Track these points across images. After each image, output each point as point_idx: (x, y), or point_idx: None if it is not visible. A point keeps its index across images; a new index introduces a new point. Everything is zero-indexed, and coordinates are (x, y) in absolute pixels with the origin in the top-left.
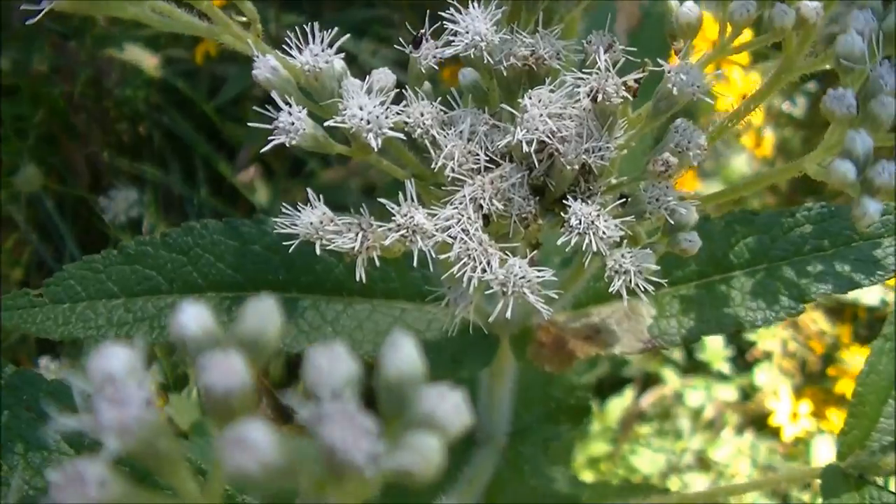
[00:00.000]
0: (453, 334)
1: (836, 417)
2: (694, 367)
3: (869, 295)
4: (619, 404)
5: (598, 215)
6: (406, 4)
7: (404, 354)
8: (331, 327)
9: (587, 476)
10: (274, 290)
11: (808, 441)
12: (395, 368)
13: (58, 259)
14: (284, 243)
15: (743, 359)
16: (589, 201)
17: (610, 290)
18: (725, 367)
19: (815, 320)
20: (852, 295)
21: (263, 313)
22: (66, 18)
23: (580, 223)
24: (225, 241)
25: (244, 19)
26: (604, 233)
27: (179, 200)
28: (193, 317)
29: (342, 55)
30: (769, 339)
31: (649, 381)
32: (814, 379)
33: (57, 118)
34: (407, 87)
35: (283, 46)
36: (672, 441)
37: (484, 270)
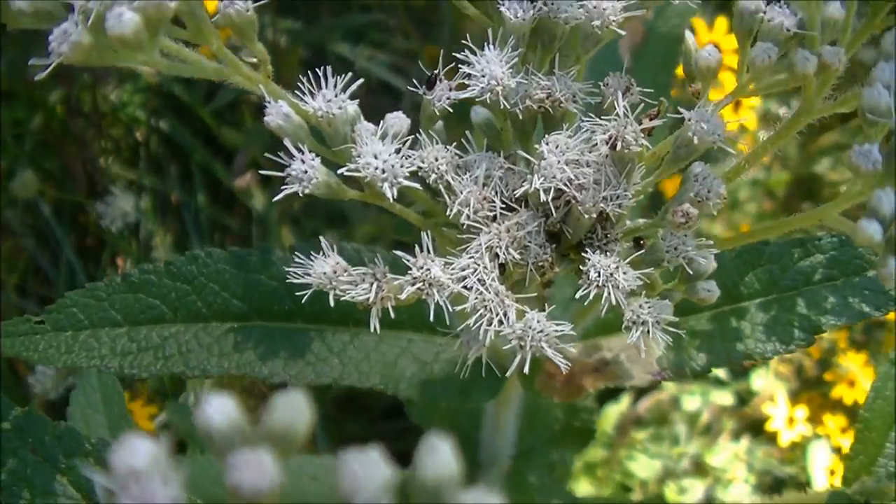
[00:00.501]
0: (458, 369)
1: (833, 423)
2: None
3: None
4: (615, 409)
5: (618, 267)
6: (402, 8)
7: (441, 458)
8: (337, 359)
9: (584, 481)
10: (279, 320)
11: (804, 446)
12: (433, 472)
13: (54, 265)
14: (297, 293)
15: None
16: (606, 250)
17: (628, 341)
18: (722, 373)
19: None
20: None
21: (293, 406)
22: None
23: (599, 276)
24: (230, 271)
25: (254, 60)
26: (623, 285)
27: (177, 206)
28: (219, 409)
29: (356, 101)
30: None
31: (646, 386)
32: (810, 384)
33: (54, 123)
34: (420, 130)
35: (295, 92)
36: (669, 446)
37: (501, 322)
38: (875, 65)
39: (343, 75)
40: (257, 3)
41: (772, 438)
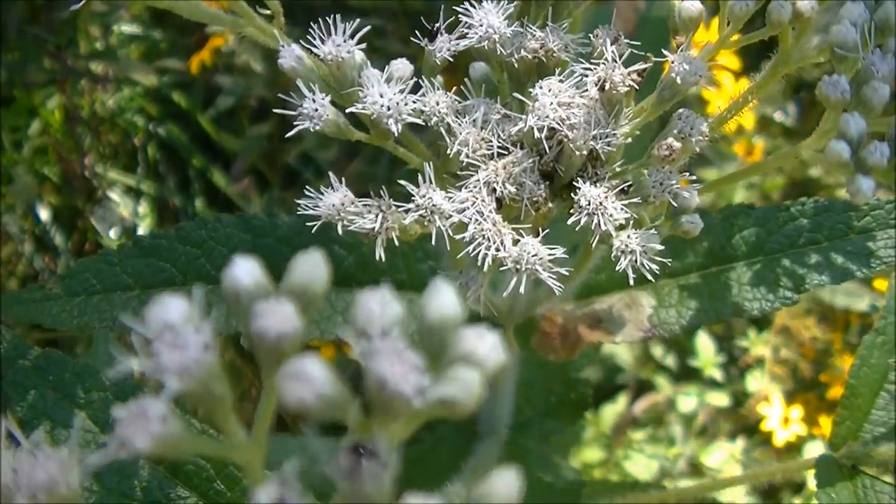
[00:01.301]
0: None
1: (828, 423)
2: (687, 373)
3: (860, 302)
4: (612, 410)
5: (607, 197)
6: (400, 14)
7: (445, 299)
8: (341, 317)
9: None
10: None
11: (799, 446)
12: (437, 311)
13: (53, 271)
14: (308, 224)
15: (735, 365)
16: (597, 185)
17: (616, 268)
18: (717, 374)
19: (807, 327)
20: (844, 301)
21: (311, 266)
22: (61, 30)
23: (589, 204)
24: (238, 234)
25: (268, 12)
26: (611, 214)
27: (175, 211)
28: (247, 270)
29: (363, 45)
30: (761, 345)
31: (642, 387)
32: (805, 385)
33: (53, 129)
34: (423, 77)
35: (305, 40)
36: (665, 447)
37: (498, 249)
38: None
39: (351, 21)
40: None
41: (767, 439)
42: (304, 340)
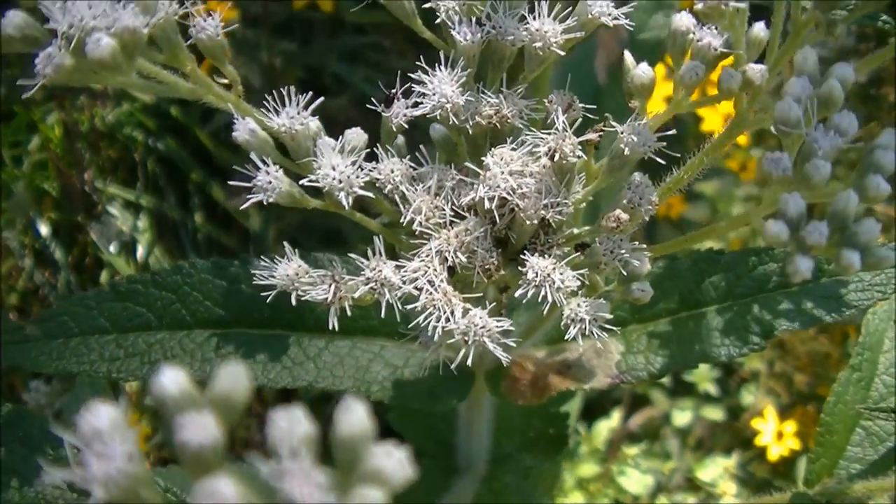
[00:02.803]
0: (427, 373)
1: None
2: (682, 388)
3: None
4: (606, 425)
5: (554, 268)
6: (397, 29)
7: (355, 416)
8: (313, 363)
9: (577, 497)
10: (258, 327)
11: (793, 460)
12: (347, 428)
13: (53, 285)
14: (262, 294)
15: (731, 379)
16: (548, 253)
17: (566, 337)
18: (712, 389)
19: (803, 340)
20: None
21: (234, 376)
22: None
23: (536, 276)
24: (212, 280)
25: (226, 81)
26: (560, 285)
27: (174, 225)
28: (173, 379)
29: (316, 117)
30: (756, 359)
31: (638, 402)
32: (802, 398)
33: (52, 144)
34: (378, 145)
35: (261, 110)
36: (661, 461)
37: (448, 320)
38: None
39: (305, 95)
40: (227, 29)
41: (763, 453)
42: (276, 386)
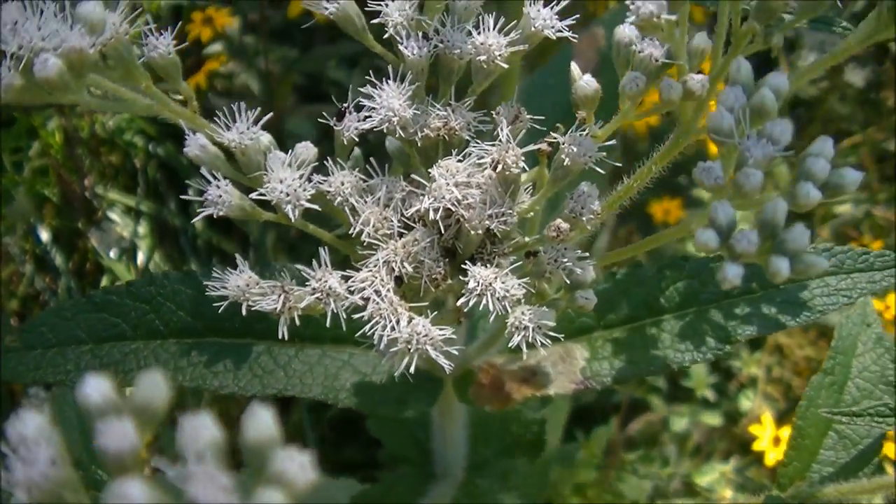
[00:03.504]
0: (398, 378)
1: None
2: (681, 393)
3: None
4: (604, 432)
5: (496, 277)
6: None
7: (261, 422)
8: (283, 371)
9: (575, 501)
10: (230, 336)
11: None
12: (254, 433)
13: (54, 290)
14: (214, 304)
15: (729, 384)
16: (493, 262)
17: (509, 345)
18: (710, 394)
19: (800, 346)
20: (838, 318)
21: (153, 385)
22: None
23: (478, 286)
24: (185, 291)
25: (181, 97)
26: (501, 294)
27: (174, 231)
28: (96, 387)
29: (266, 134)
30: (754, 365)
31: (636, 407)
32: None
33: (53, 150)
34: (328, 159)
35: (215, 121)
36: (659, 466)
37: (393, 328)
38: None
39: (253, 110)
40: (178, 47)
41: (761, 458)
42: (246, 394)
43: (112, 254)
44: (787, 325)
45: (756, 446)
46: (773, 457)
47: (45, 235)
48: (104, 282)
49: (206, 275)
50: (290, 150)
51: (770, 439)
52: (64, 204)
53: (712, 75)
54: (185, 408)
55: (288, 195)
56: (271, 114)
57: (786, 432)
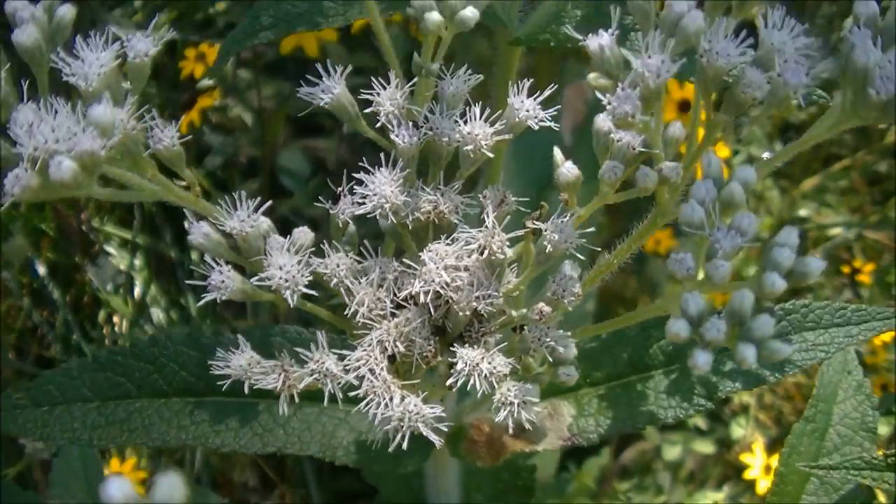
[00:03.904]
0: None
1: None
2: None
3: None
4: (596, 463)
5: (483, 358)
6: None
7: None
8: (282, 430)
9: None
10: (231, 395)
11: None
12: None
13: (51, 324)
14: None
15: (724, 409)
16: (480, 340)
17: (496, 420)
18: (701, 423)
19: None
20: None
21: (171, 486)
22: (54, 86)
23: (465, 366)
24: (187, 352)
25: (185, 183)
26: (487, 374)
27: (171, 264)
28: (119, 487)
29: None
30: (745, 392)
31: (629, 436)
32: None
33: None
34: (324, 242)
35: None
36: (653, 495)
37: (387, 406)
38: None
39: (254, 199)
40: (183, 140)
41: (753, 485)
42: (247, 452)
43: (109, 287)
44: (769, 381)
45: (747, 475)
46: (764, 485)
47: (41, 269)
48: (101, 315)
49: (206, 336)
50: (288, 236)
51: (761, 468)
52: (60, 237)
53: (686, 163)
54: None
55: (287, 281)
56: (270, 202)
57: (776, 461)
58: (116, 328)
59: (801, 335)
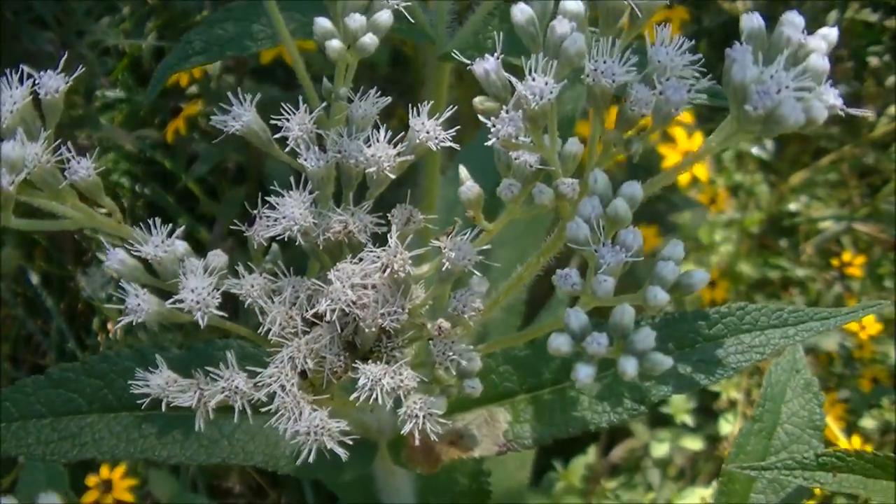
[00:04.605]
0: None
1: None
2: (662, 418)
3: (827, 341)
4: (582, 461)
5: (385, 373)
6: (381, 75)
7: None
8: (227, 441)
9: None
10: (177, 409)
11: None
12: None
13: (46, 333)
14: (135, 393)
15: (713, 404)
16: (390, 355)
17: (402, 432)
18: (689, 419)
19: None
20: (812, 340)
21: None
22: None
23: (368, 381)
24: (135, 367)
25: (105, 210)
26: (389, 389)
27: None
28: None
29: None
30: (733, 388)
31: (619, 433)
32: None
33: None
34: (239, 264)
35: (129, 242)
36: (642, 493)
37: (296, 421)
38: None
39: (169, 225)
40: (99, 171)
41: None
42: (193, 463)
43: (103, 294)
44: (702, 385)
45: None
46: None
47: (35, 278)
48: (95, 323)
49: (153, 351)
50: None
51: None
52: (53, 246)
53: (584, 179)
54: None
55: (198, 303)
56: (183, 227)
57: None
58: (111, 335)
59: (738, 337)
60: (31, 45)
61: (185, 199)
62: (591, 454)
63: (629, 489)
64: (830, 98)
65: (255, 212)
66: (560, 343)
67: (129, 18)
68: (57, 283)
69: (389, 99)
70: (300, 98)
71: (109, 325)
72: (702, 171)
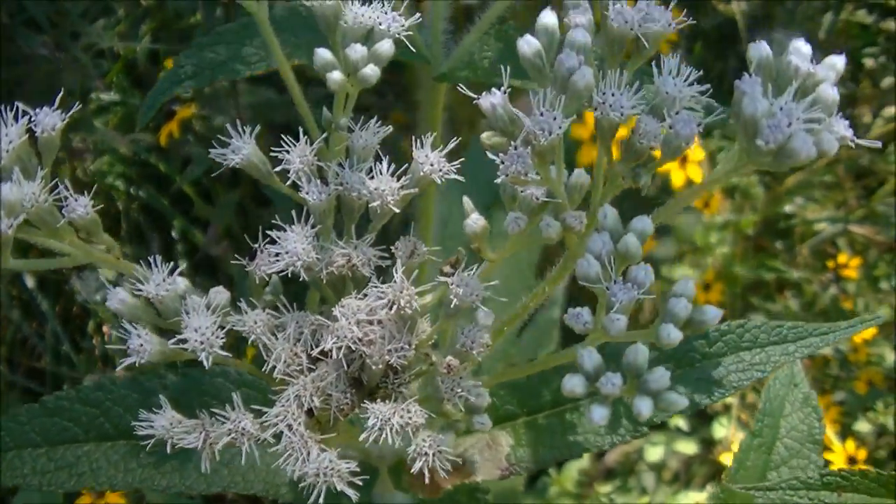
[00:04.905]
0: None
1: None
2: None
3: None
4: (576, 466)
5: (395, 412)
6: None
7: None
8: (226, 469)
9: None
10: None
11: None
12: None
13: (41, 336)
14: (140, 438)
15: (706, 410)
16: (398, 392)
17: (412, 471)
18: (682, 424)
19: None
20: None
21: None
22: (40, 98)
23: (377, 421)
24: (131, 395)
25: (103, 247)
26: (398, 428)
27: None
28: None
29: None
30: None
31: None
32: None
33: None
34: (241, 300)
35: (129, 279)
36: (637, 497)
37: (304, 461)
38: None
39: (169, 263)
40: (96, 208)
41: None
42: (192, 492)
43: (98, 297)
44: (702, 405)
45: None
46: None
47: (30, 282)
48: (91, 326)
49: (149, 379)
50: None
51: None
52: (48, 249)
53: (593, 208)
54: None
55: (202, 343)
56: (183, 266)
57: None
58: (106, 338)
59: (738, 355)
60: (25, 47)
61: (180, 202)
62: (585, 458)
63: (624, 493)
64: (841, 129)
65: (256, 246)
66: (574, 385)
67: (124, 21)
68: (52, 286)
69: (390, 128)
70: (300, 130)
71: (105, 328)
72: (696, 173)
